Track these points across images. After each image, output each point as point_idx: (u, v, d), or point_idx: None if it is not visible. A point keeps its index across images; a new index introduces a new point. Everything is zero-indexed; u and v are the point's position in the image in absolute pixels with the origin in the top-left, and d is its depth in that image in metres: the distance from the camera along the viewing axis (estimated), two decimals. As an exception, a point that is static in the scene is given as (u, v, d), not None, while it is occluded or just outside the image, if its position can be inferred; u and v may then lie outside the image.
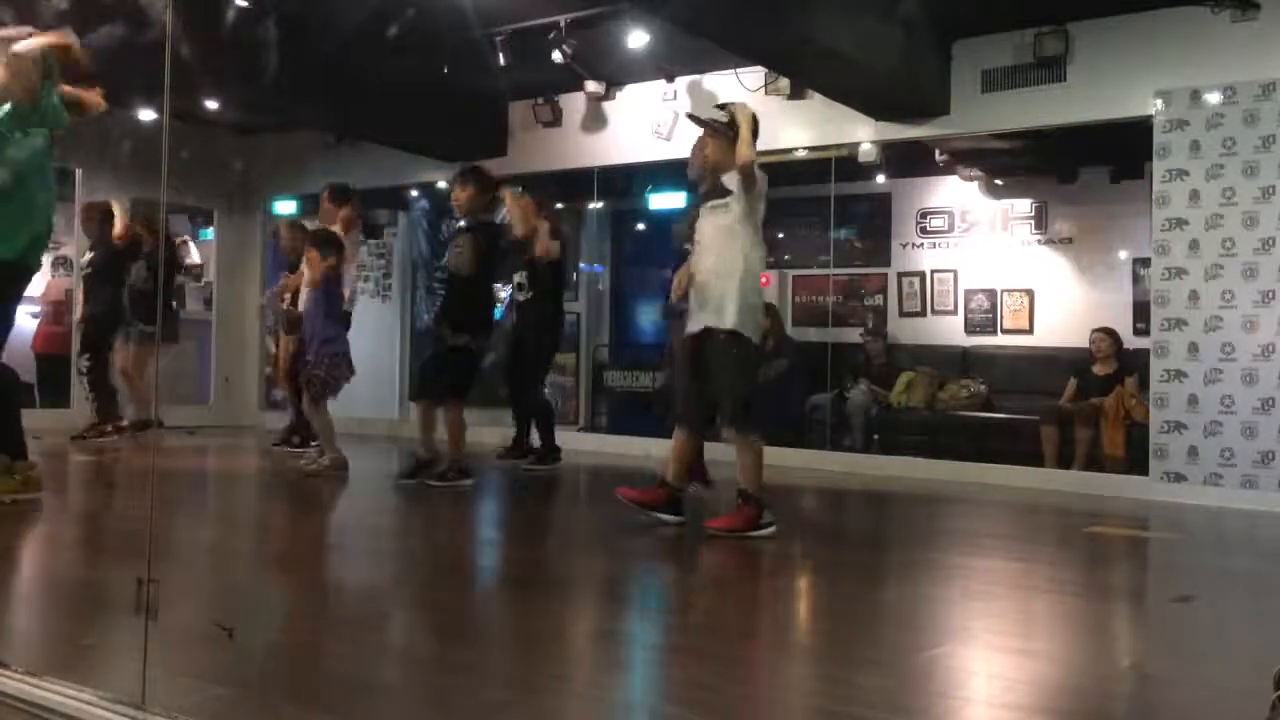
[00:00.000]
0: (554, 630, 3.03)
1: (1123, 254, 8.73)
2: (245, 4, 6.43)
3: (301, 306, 6.55)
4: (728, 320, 4.41)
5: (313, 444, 7.35)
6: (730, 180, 4.51)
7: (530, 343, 6.98)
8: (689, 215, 5.03)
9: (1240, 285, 6.18)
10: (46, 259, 11.22)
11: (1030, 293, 9.11)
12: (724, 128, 4.53)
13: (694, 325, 4.55)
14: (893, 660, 2.78)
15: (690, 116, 4.86)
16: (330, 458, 6.22)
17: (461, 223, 6.38)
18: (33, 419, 8.15)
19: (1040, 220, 9.14)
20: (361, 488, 6.27)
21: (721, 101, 5.00)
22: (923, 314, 9.55)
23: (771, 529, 4.41)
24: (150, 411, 8.39)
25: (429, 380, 6.17)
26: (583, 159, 8.71)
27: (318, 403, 6.16)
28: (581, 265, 11.24)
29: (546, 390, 8.04)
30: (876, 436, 8.42)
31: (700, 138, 4.71)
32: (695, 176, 4.83)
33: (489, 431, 7.76)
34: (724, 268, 4.45)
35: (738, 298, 4.42)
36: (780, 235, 10.27)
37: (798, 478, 7.04)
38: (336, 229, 6.67)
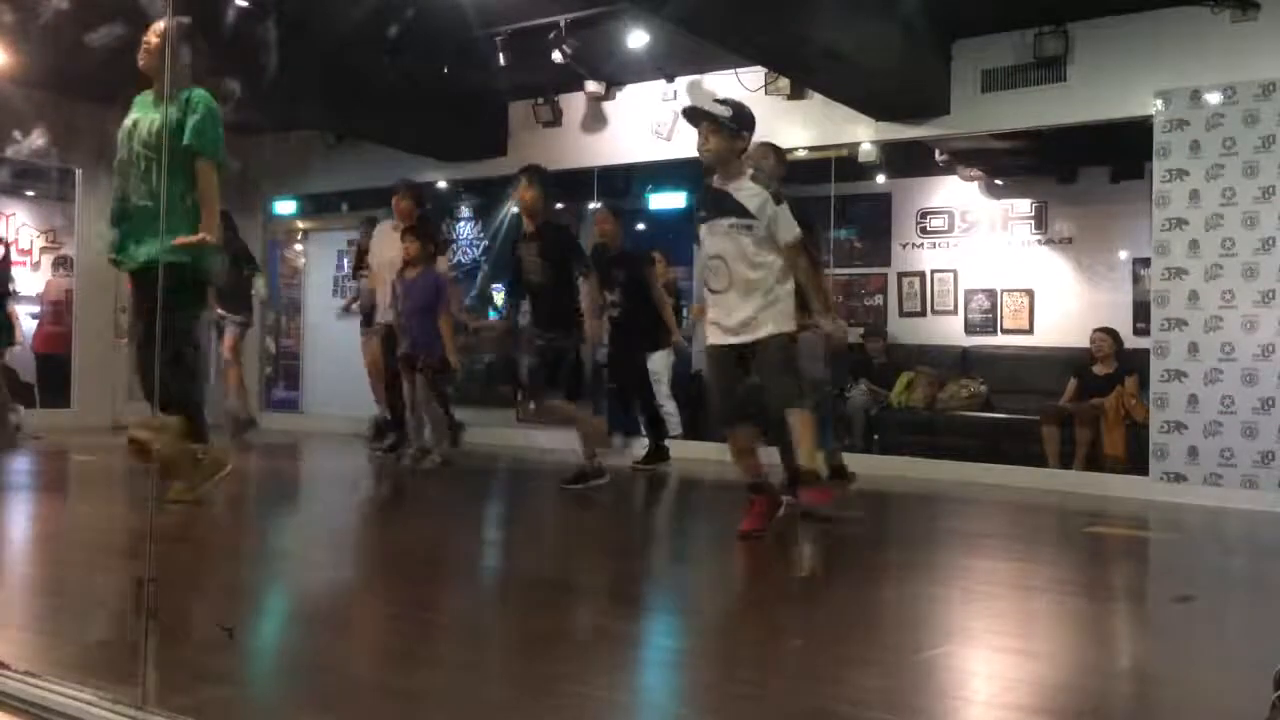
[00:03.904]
0: (555, 630, 3.03)
1: (1123, 254, 8.72)
2: (245, 4, 6.43)
3: (378, 297, 6.95)
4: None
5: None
6: (747, 195, 4.28)
7: (632, 351, 7.03)
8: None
9: (1240, 285, 6.18)
10: (47, 259, 11.33)
11: (1030, 293, 9.11)
12: (727, 121, 4.31)
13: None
14: (893, 660, 2.78)
15: (688, 111, 4.50)
16: (441, 453, 6.33)
17: (527, 227, 6.08)
18: (33, 419, 8.23)
19: (1040, 220, 9.14)
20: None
21: (721, 97, 4.72)
22: (923, 314, 9.54)
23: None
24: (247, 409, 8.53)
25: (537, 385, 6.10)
26: (583, 159, 8.70)
27: (436, 390, 6.21)
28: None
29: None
30: (876, 436, 8.42)
31: (701, 132, 4.38)
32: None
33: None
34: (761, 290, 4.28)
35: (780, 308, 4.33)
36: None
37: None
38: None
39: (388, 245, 7.23)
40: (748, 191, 4.29)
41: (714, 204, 4.36)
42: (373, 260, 7.39)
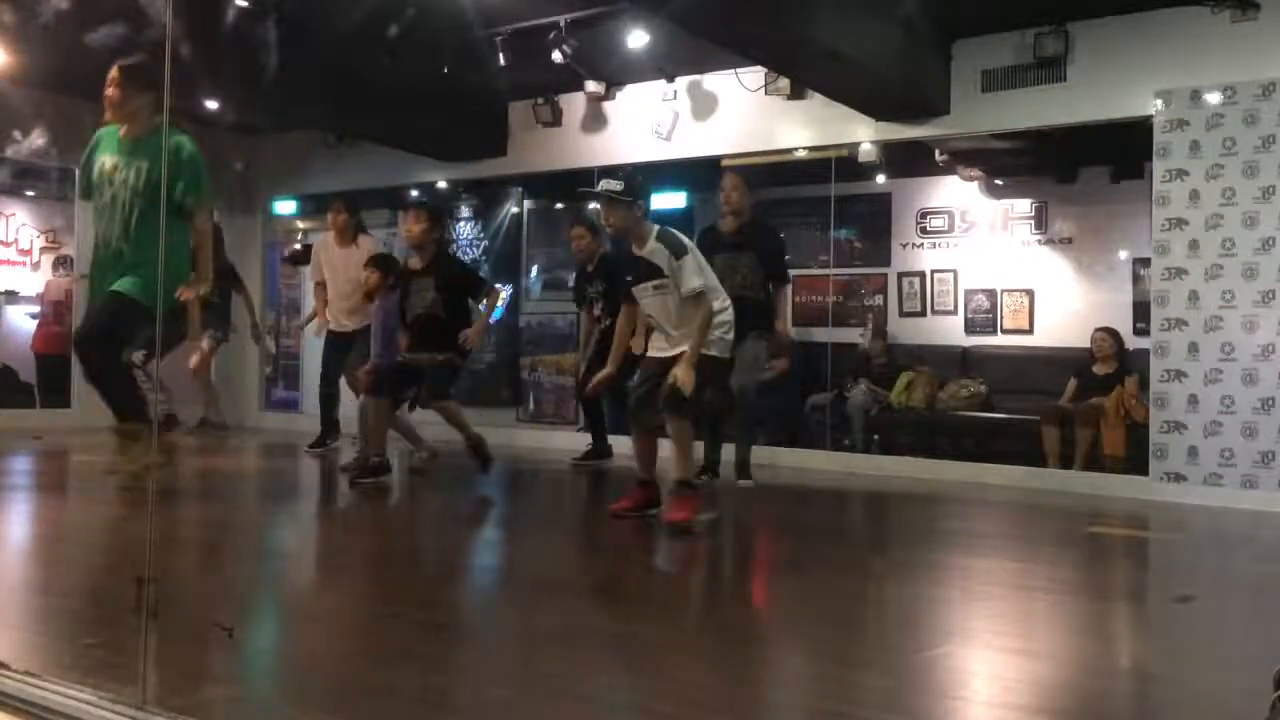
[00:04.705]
0: (553, 629, 3.03)
1: (1123, 254, 8.72)
2: (245, 4, 6.43)
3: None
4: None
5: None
6: (656, 256, 4.62)
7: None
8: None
9: (1240, 285, 6.18)
10: (47, 259, 11.33)
11: (1030, 293, 9.11)
12: (619, 195, 4.63)
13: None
14: (893, 660, 2.78)
15: (582, 193, 4.88)
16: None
17: (414, 264, 6.10)
18: (33, 419, 8.24)
19: (1040, 220, 9.14)
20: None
21: (618, 175, 4.96)
22: (923, 314, 9.54)
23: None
24: (209, 412, 8.63)
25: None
26: (583, 159, 8.69)
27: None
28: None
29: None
30: (876, 436, 8.42)
31: (601, 210, 4.74)
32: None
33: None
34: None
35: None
36: (781, 236, 10.26)
37: (798, 478, 7.04)
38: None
39: (328, 259, 7.58)
40: (655, 252, 4.65)
41: (638, 270, 4.74)
42: (324, 275, 7.65)
